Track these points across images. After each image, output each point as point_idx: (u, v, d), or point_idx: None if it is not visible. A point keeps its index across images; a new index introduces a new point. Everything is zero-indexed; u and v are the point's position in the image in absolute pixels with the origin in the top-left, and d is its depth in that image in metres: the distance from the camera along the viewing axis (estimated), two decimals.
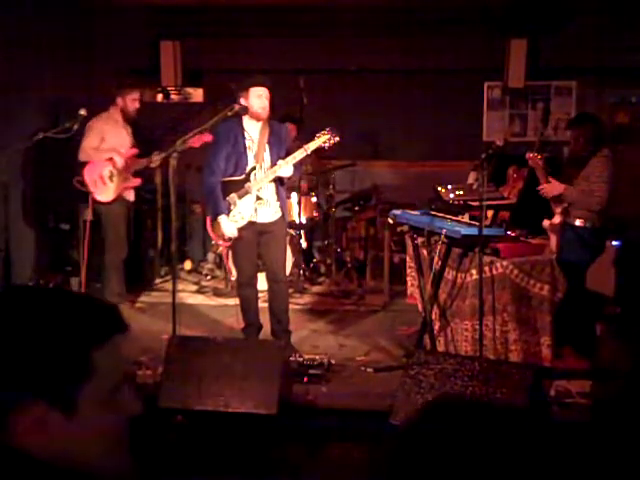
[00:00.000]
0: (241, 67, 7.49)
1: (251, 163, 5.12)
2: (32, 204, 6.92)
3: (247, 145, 5.13)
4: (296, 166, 5.22)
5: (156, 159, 6.06)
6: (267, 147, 5.14)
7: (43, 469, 1.02)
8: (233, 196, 5.14)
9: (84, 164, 6.05)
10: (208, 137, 5.47)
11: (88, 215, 6.15)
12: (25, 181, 6.75)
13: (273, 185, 5.17)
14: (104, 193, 6.05)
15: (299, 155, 5.09)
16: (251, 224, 5.18)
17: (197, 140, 5.76)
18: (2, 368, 1.02)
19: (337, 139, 5.12)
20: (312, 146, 5.10)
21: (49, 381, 1.03)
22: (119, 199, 6.11)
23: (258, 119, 5.08)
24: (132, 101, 6.14)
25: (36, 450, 1.03)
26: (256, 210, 5.16)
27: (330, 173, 7.14)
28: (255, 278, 5.44)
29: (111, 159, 6.03)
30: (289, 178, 5.29)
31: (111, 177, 6.04)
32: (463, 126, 7.66)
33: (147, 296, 6.84)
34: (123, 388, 1.13)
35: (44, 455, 1.03)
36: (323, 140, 5.10)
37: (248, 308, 5.39)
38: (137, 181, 6.20)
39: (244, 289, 5.37)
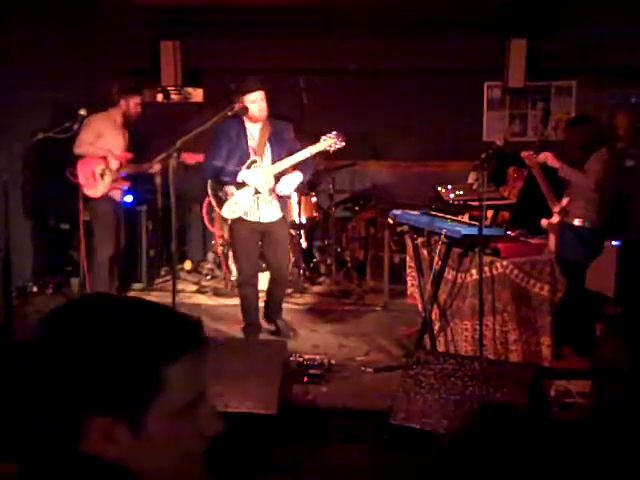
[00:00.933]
0: (241, 67, 7.49)
1: (252, 156, 5.18)
2: (32, 204, 6.92)
3: (249, 143, 5.18)
4: (307, 170, 5.29)
5: (156, 166, 6.13)
6: (268, 145, 5.18)
7: (116, 474, 1.01)
8: (231, 187, 5.20)
9: (79, 158, 6.07)
10: (200, 157, 5.58)
11: (81, 214, 6.15)
12: (25, 181, 6.75)
13: (273, 184, 5.20)
14: (93, 189, 6.07)
15: (301, 156, 5.11)
16: (250, 224, 5.22)
17: (190, 157, 5.87)
18: (69, 378, 1.00)
19: (343, 144, 5.13)
20: (316, 149, 5.12)
21: (115, 396, 1.00)
22: (105, 197, 6.11)
23: (257, 121, 5.13)
24: (135, 105, 6.19)
25: (107, 459, 1.01)
26: (258, 206, 5.19)
27: (330, 173, 7.14)
28: (256, 277, 5.47)
29: (105, 158, 6.04)
30: (302, 182, 5.34)
31: (102, 175, 6.06)
32: (463, 126, 7.66)
33: (147, 296, 6.84)
34: (201, 405, 1.09)
35: (116, 463, 1.01)
36: (328, 144, 5.12)
37: (248, 307, 5.42)
38: (125, 184, 6.21)
39: (244, 288, 5.40)
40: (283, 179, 5.17)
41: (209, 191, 5.29)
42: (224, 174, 5.20)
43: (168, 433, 1.04)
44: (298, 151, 5.14)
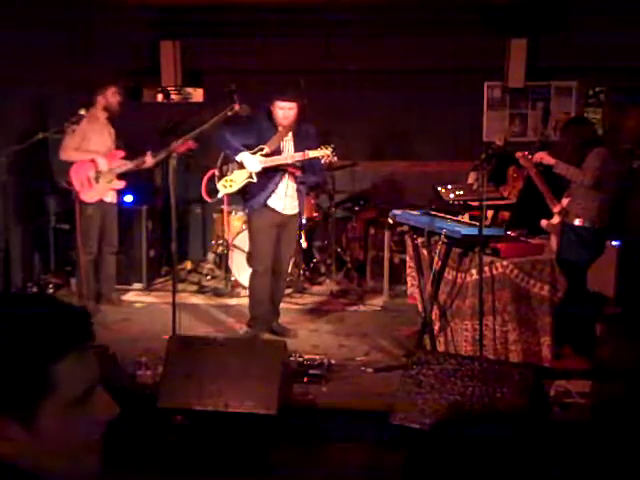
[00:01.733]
0: (241, 67, 7.50)
1: (262, 145, 5.29)
2: (32, 204, 6.92)
3: (271, 137, 5.31)
4: (317, 171, 5.50)
5: (149, 159, 6.05)
6: (291, 138, 5.35)
7: (10, 472, 1.02)
8: (232, 165, 5.35)
9: (70, 165, 6.04)
10: (192, 144, 5.60)
11: (78, 218, 6.13)
12: (25, 181, 6.74)
13: (293, 182, 5.36)
14: (89, 193, 6.04)
15: (297, 156, 5.27)
16: (272, 215, 5.34)
17: (182, 146, 5.79)
18: None
19: (335, 159, 5.33)
20: (312, 154, 5.26)
21: (4, 398, 1.02)
22: (95, 202, 6.07)
23: (282, 127, 5.29)
24: (113, 94, 6.10)
25: (3, 457, 1.03)
26: (284, 193, 5.33)
27: (330, 173, 7.14)
28: (270, 269, 5.48)
29: (93, 161, 6.00)
30: (315, 183, 5.46)
31: (97, 178, 6.03)
32: (463, 126, 7.66)
33: (147, 296, 6.84)
34: (94, 393, 1.11)
35: (11, 461, 1.03)
36: (322, 153, 5.26)
37: (261, 299, 5.49)
38: (121, 183, 6.17)
39: (260, 278, 5.45)
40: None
41: (218, 162, 5.44)
42: (227, 147, 5.34)
43: (61, 426, 1.06)
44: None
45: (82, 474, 1.10)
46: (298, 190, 5.41)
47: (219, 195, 5.56)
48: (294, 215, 5.46)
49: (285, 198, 5.37)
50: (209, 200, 5.55)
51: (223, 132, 5.32)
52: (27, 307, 1.10)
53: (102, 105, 6.08)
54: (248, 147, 5.28)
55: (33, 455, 1.04)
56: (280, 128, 5.29)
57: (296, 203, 5.43)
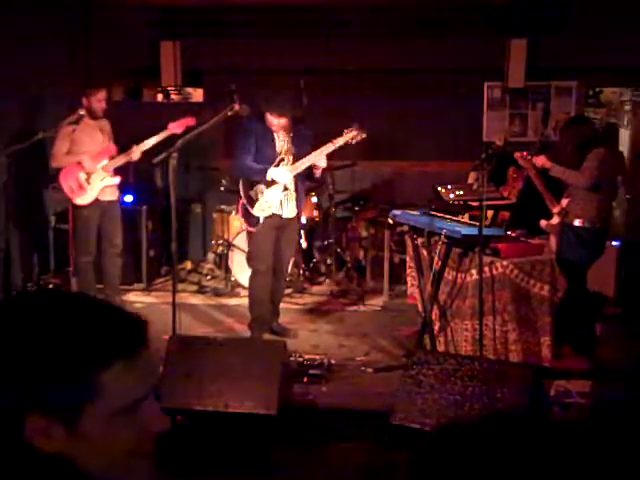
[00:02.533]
0: (241, 67, 7.50)
1: (279, 155, 5.30)
2: (32, 204, 6.92)
3: (276, 140, 5.30)
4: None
5: (136, 153, 5.98)
6: (293, 145, 5.33)
7: (55, 465, 1.03)
8: (261, 186, 5.28)
9: (59, 171, 5.99)
10: (191, 121, 5.51)
11: (70, 222, 6.12)
12: (25, 181, 6.74)
13: (294, 182, 5.33)
14: (84, 196, 5.96)
15: (327, 149, 5.27)
16: (274, 217, 5.32)
17: (177, 126, 5.71)
18: (9, 376, 1.02)
19: (364, 135, 5.33)
20: (340, 141, 5.29)
21: (51, 397, 1.02)
22: (91, 203, 6.00)
23: (272, 130, 5.28)
24: (97, 101, 5.97)
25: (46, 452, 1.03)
26: (282, 202, 5.31)
27: (330, 173, 7.14)
28: (271, 270, 5.48)
29: (79, 164, 5.92)
30: (317, 178, 5.45)
31: (88, 179, 5.97)
32: (463, 126, 7.65)
33: (147, 296, 6.84)
34: (141, 406, 1.09)
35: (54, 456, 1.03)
36: (351, 136, 5.30)
37: (262, 299, 5.48)
38: (115, 179, 6.09)
39: (262, 278, 5.44)
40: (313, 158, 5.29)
41: (241, 192, 5.37)
42: (253, 173, 5.29)
43: (104, 433, 1.05)
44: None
45: None
46: (297, 192, 5.39)
47: (261, 220, 5.36)
48: (293, 218, 5.44)
49: (287, 202, 5.36)
50: (254, 230, 5.44)
51: (240, 161, 5.31)
52: (81, 309, 1.09)
53: (85, 107, 5.98)
54: (256, 155, 5.27)
55: (72, 456, 1.04)
56: (279, 132, 5.29)
57: (294, 205, 5.41)
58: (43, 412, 1.02)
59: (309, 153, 5.30)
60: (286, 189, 5.30)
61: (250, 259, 5.63)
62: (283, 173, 5.24)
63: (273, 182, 5.26)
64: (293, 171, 5.28)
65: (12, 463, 1.02)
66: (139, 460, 1.11)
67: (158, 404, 0.96)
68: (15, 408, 1.02)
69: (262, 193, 5.29)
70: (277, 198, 5.30)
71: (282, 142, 5.33)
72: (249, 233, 5.59)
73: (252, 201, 5.33)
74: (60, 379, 1.02)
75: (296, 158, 5.31)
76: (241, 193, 5.38)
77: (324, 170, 5.43)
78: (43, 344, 1.02)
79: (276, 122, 5.22)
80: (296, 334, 5.60)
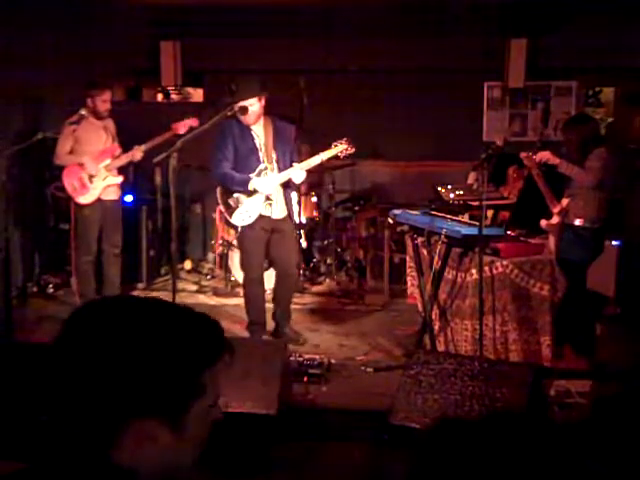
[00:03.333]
0: (241, 67, 7.49)
1: (262, 161, 5.17)
2: (32, 204, 6.92)
3: (256, 144, 5.18)
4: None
5: (138, 153, 5.99)
6: (274, 149, 5.19)
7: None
8: (239, 196, 5.19)
9: (62, 170, 6.00)
10: (194, 122, 5.49)
11: (72, 222, 6.11)
12: (25, 181, 6.75)
13: (282, 188, 5.24)
14: (86, 195, 5.97)
15: (314, 162, 5.19)
16: (262, 220, 5.22)
17: (181, 126, 5.71)
18: (114, 384, 1.04)
19: (353, 150, 5.23)
20: (327, 155, 5.20)
21: (163, 400, 1.06)
22: (92, 203, 6.01)
23: (249, 124, 5.13)
24: (102, 102, 5.98)
25: (144, 464, 1.07)
26: (267, 209, 5.23)
27: (330, 173, 7.14)
28: (263, 276, 5.46)
29: (82, 164, 5.93)
30: (302, 183, 5.34)
31: (91, 178, 5.98)
32: (463, 126, 7.65)
33: (147, 296, 6.83)
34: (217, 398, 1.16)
35: (149, 468, 1.07)
36: (339, 150, 5.21)
37: (255, 306, 5.43)
38: (118, 179, 6.10)
39: (254, 286, 5.40)
40: (292, 172, 5.18)
41: (219, 199, 5.27)
42: (235, 183, 5.18)
43: (201, 429, 1.13)
44: (293, 153, 5.21)
45: (190, 472, 1.17)
46: (285, 193, 5.28)
47: (239, 229, 5.29)
48: (284, 218, 5.32)
49: (275, 204, 5.25)
50: (234, 238, 5.39)
51: (219, 168, 5.16)
52: (181, 314, 1.16)
53: (89, 108, 5.99)
54: (236, 162, 5.15)
55: (171, 459, 1.10)
56: (256, 124, 5.15)
57: (281, 207, 5.28)
58: (153, 415, 1.06)
59: (291, 152, 5.22)
60: (268, 199, 5.20)
61: (242, 266, 5.59)
62: (266, 184, 5.13)
63: (254, 191, 5.16)
64: (276, 181, 5.17)
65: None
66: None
67: None
68: (118, 417, 1.04)
69: (241, 203, 5.18)
70: (257, 207, 5.19)
71: (260, 143, 5.17)
72: (239, 239, 5.47)
73: (230, 209, 5.22)
74: (173, 379, 1.07)
75: (279, 161, 5.18)
76: (219, 200, 5.27)
77: (324, 171, 5.42)
78: (156, 348, 1.06)
79: (250, 110, 5.02)
80: (305, 340, 5.53)
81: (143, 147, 5.94)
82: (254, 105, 5.05)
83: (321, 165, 5.45)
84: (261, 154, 5.18)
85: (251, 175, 5.16)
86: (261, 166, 5.17)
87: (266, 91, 5.13)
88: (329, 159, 5.31)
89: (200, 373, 1.10)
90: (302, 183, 5.39)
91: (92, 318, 1.09)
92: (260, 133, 5.19)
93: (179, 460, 1.12)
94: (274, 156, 5.20)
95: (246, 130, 5.16)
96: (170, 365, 1.06)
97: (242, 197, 5.18)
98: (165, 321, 1.11)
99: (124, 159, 6.06)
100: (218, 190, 5.28)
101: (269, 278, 5.83)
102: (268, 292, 5.70)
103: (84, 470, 1.03)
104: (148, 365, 1.05)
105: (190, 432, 1.10)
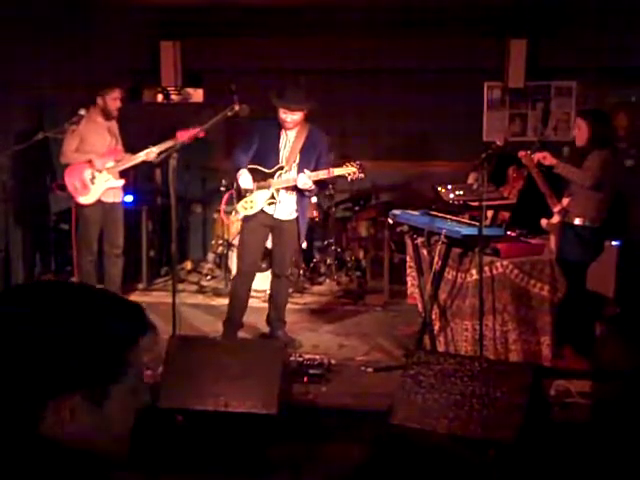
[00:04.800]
0: (241, 67, 7.50)
1: (281, 161, 5.21)
2: (33, 204, 6.92)
3: (281, 144, 5.21)
4: (321, 185, 5.39)
5: (152, 154, 5.97)
6: (299, 153, 5.20)
7: (67, 455, 1.10)
8: (254, 184, 5.22)
9: (65, 168, 6.00)
10: (201, 133, 5.49)
11: (73, 222, 6.11)
12: (25, 181, 6.75)
13: (296, 191, 5.23)
14: (86, 195, 5.97)
15: (322, 174, 5.17)
16: (263, 216, 5.25)
17: (185, 134, 5.69)
18: (41, 361, 1.08)
19: (362, 176, 5.23)
20: (337, 172, 5.20)
21: (87, 378, 1.10)
22: (93, 203, 6.01)
23: (285, 128, 5.17)
24: (113, 100, 5.99)
25: (65, 437, 1.10)
26: (269, 207, 5.24)
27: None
28: (252, 277, 5.44)
29: (90, 161, 5.95)
30: (310, 190, 5.30)
31: (92, 179, 5.97)
32: (463, 126, 7.65)
33: (147, 296, 6.84)
34: (141, 380, 1.20)
35: (70, 441, 1.10)
36: (349, 171, 5.19)
37: (235, 305, 5.42)
38: (119, 182, 6.10)
39: (239, 286, 5.42)
40: (299, 177, 5.17)
41: (235, 183, 5.31)
42: (232, 162, 5.27)
43: (122, 412, 1.15)
44: (325, 164, 5.22)
45: (118, 453, 1.18)
46: (298, 197, 5.26)
47: (239, 217, 5.40)
48: (290, 220, 5.30)
49: (278, 203, 5.24)
50: (227, 221, 5.43)
51: (236, 152, 5.28)
52: (103, 296, 1.19)
53: (100, 107, 6.00)
54: (257, 154, 5.20)
55: (90, 434, 1.12)
56: (291, 130, 5.18)
57: (292, 208, 5.28)
58: (70, 392, 1.09)
59: (317, 160, 5.22)
60: (272, 198, 5.21)
61: (237, 257, 5.62)
62: (245, 179, 5.15)
63: (262, 187, 5.20)
64: (286, 183, 5.18)
65: (32, 458, 1.08)
66: (128, 432, 1.19)
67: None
68: (42, 395, 1.08)
69: (251, 192, 5.22)
70: (260, 202, 5.22)
71: (286, 144, 5.20)
72: (241, 230, 5.52)
73: (240, 196, 5.29)
74: (94, 356, 1.10)
75: (300, 166, 5.17)
76: (234, 185, 5.34)
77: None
78: (78, 326, 1.10)
79: (289, 119, 5.09)
80: (300, 344, 5.51)
81: (147, 151, 5.94)
82: (287, 115, 5.08)
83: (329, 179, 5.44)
84: (282, 155, 5.21)
85: (266, 170, 5.20)
86: (278, 165, 5.21)
87: (311, 104, 5.15)
88: (337, 176, 5.30)
89: (121, 353, 1.13)
90: (309, 191, 5.32)
91: (11, 300, 1.14)
92: (291, 136, 5.22)
93: (99, 437, 1.13)
94: (297, 160, 5.21)
95: (277, 129, 5.20)
96: (85, 344, 1.09)
97: (249, 186, 5.20)
98: (82, 303, 1.14)
99: (127, 163, 6.06)
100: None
101: (265, 279, 5.84)
102: (261, 294, 5.68)
103: (10, 439, 1.08)
104: (63, 344, 1.08)
105: (112, 409, 1.12)
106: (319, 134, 5.32)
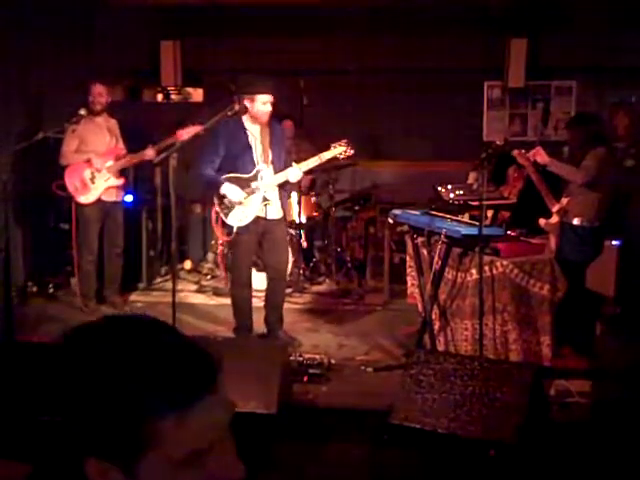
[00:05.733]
0: (241, 67, 7.50)
1: (257, 162, 5.12)
2: (32, 204, 6.92)
3: (251, 143, 5.11)
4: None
5: (150, 152, 5.97)
6: (270, 149, 5.15)
7: None
8: (242, 193, 5.14)
9: (64, 169, 6.00)
10: (199, 129, 5.46)
11: (74, 221, 6.11)
12: (25, 180, 6.74)
13: (278, 188, 5.20)
14: (86, 195, 5.99)
15: (313, 162, 5.15)
16: (255, 222, 5.17)
17: (184, 133, 5.68)
18: (69, 418, 0.95)
19: (352, 152, 5.18)
20: (327, 155, 5.16)
21: (107, 442, 0.94)
22: (93, 203, 6.02)
23: (261, 123, 5.08)
24: (98, 95, 6.00)
25: None
26: (262, 210, 5.18)
27: (330, 173, 7.14)
28: (250, 282, 5.43)
29: (89, 161, 5.96)
30: (298, 182, 5.29)
31: (92, 179, 5.99)
32: (463, 126, 7.66)
33: (147, 296, 6.84)
34: (213, 453, 1.01)
35: None
36: (339, 151, 5.16)
37: (243, 309, 5.40)
38: (119, 181, 6.11)
39: (242, 289, 5.38)
40: (290, 172, 5.13)
41: (215, 199, 5.18)
42: (206, 183, 5.17)
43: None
44: (290, 153, 5.17)
45: None
46: (281, 193, 5.22)
47: (235, 230, 5.16)
48: (279, 220, 5.25)
49: (271, 205, 5.19)
50: (228, 239, 5.32)
51: (198, 171, 5.09)
52: (141, 348, 0.97)
53: (89, 104, 5.99)
54: (228, 161, 5.06)
55: None
56: (257, 132, 5.08)
57: (277, 208, 5.22)
58: (100, 457, 0.94)
59: (286, 152, 5.19)
60: (265, 200, 5.13)
61: (230, 268, 5.55)
62: (235, 191, 5.03)
63: (252, 192, 5.09)
64: (272, 182, 5.12)
65: None
66: None
67: (232, 450, 0.89)
68: (74, 451, 0.95)
69: (239, 202, 5.09)
70: (254, 209, 5.11)
71: (256, 142, 5.09)
72: (233, 241, 5.32)
73: (226, 209, 5.14)
74: (115, 426, 0.93)
75: (275, 161, 5.10)
76: (215, 200, 5.17)
77: (324, 171, 5.36)
78: (100, 388, 0.93)
79: (265, 109, 4.95)
80: (300, 344, 5.46)
81: (156, 147, 5.94)
82: (267, 104, 4.97)
83: (320, 165, 5.42)
84: (256, 154, 5.11)
85: (246, 175, 5.09)
86: (257, 167, 5.11)
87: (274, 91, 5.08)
88: (328, 160, 5.29)
89: (148, 422, 0.93)
90: (299, 182, 5.32)
91: (76, 344, 0.98)
92: (256, 132, 5.11)
93: None
94: (270, 156, 5.14)
95: (241, 129, 5.07)
96: (113, 409, 0.92)
97: (241, 197, 5.11)
98: (118, 357, 0.95)
99: (132, 160, 6.06)
100: (215, 194, 5.19)
101: (262, 280, 5.83)
102: (261, 294, 5.67)
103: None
104: (91, 405, 0.93)
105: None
106: (277, 124, 5.30)
